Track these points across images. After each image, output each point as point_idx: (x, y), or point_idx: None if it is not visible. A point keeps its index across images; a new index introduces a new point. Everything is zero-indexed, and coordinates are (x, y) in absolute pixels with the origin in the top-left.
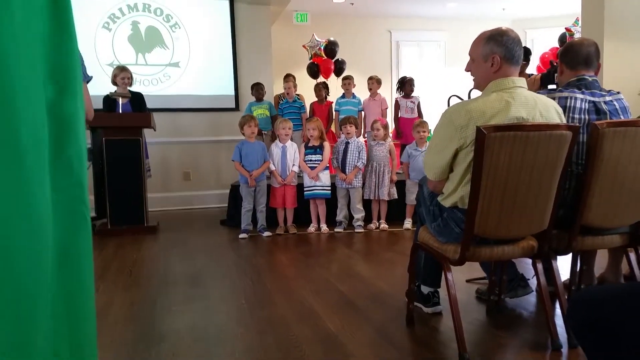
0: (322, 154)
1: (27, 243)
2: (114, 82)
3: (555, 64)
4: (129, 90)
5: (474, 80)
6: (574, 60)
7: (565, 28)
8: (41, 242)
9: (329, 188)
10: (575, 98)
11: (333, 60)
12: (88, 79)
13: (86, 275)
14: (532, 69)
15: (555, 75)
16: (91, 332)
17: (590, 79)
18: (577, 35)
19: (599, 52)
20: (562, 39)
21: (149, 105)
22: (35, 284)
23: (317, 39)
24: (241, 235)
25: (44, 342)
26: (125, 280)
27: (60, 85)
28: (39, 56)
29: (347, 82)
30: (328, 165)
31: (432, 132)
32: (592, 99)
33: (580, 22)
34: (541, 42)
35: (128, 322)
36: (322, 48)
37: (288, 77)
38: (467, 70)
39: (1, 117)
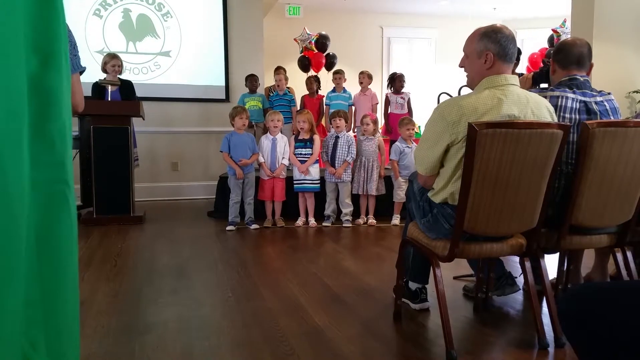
0: (312, 148)
1: None
2: (104, 70)
3: (547, 63)
4: (119, 78)
5: (467, 76)
6: (566, 59)
7: (552, 29)
8: (14, 222)
9: (319, 182)
10: (567, 97)
11: (324, 54)
12: (82, 69)
13: (67, 259)
14: (521, 68)
15: (548, 73)
16: (72, 320)
17: (581, 79)
18: (563, 37)
19: (591, 52)
20: (551, 39)
21: (138, 94)
22: (6, 266)
23: (308, 32)
24: (228, 227)
25: (15, 331)
26: (110, 270)
27: (44, 57)
28: (22, 25)
29: (338, 76)
30: (318, 159)
31: (421, 128)
32: (583, 98)
33: (567, 24)
34: (531, 43)
35: (112, 313)
36: (312, 42)
37: (279, 70)
38: (460, 66)
39: None
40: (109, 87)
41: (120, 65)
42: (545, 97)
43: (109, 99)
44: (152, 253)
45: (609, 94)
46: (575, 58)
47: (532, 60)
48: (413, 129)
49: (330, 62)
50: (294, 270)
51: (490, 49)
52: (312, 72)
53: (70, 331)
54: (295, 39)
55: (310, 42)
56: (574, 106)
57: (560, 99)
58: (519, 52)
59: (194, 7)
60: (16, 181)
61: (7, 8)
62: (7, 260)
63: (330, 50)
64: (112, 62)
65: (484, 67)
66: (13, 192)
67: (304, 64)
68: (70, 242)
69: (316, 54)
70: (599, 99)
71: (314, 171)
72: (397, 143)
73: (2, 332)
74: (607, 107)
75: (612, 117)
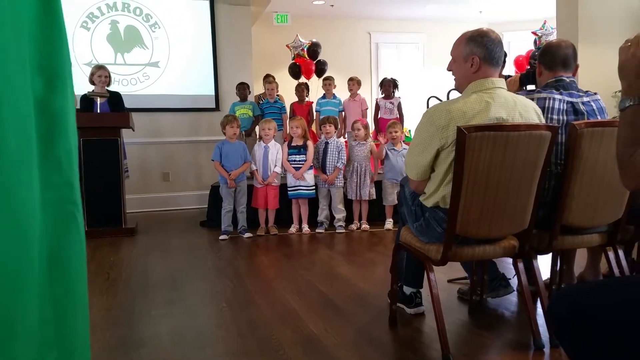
0: (306, 154)
1: (10, 243)
2: (92, 81)
3: (534, 64)
4: (107, 90)
5: (454, 80)
6: (552, 61)
7: (532, 32)
8: (26, 243)
9: (313, 188)
10: (554, 99)
11: (314, 62)
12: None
13: (77, 278)
14: (507, 71)
15: (534, 75)
16: (83, 338)
17: (568, 80)
18: (544, 38)
19: (576, 53)
20: (536, 42)
21: (128, 105)
22: (19, 286)
23: (301, 39)
24: (221, 237)
25: (29, 349)
26: (103, 284)
27: (49, 79)
28: (27, 47)
29: (328, 82)
30: (312, 165)
31: (411, 132)
32: (570, 99)
33: (546, 25)
34: (517, 45)
35: (106, 327)
36: (305, 49)
37: (269, 78)
38: (448, 69)
39: None
40: (98, 99)
41: (108, 76)
42: (533, 99)
43: (98, 111)
44: (145, 265)
45: (595, 94)
46: (560, 59)
47: (517, 62)
48: (397, 132)
49: (320, 69)
50: (288, 278)
51: (476, 52)
52: (303, 79)
53: (82, 349)
54: (287, 46)
55: (302, 50)
56: (561, 107)
57: (547, 101)
58: (505, 54)
59: (182, 18)
60: (28, 203)
61: (14, 32)
62: (21, 282)
63: (319, 57)
64: (98, 72)
65: (470, 70)
66: (25, 214)
67: (295, 71)
68: (80, 261)
69: (307, 61)
70: (585, 99)
71: (309, 177)
72: (386, 145)
73: (16, 353)
74: (594, 107)
75: (599, 117)
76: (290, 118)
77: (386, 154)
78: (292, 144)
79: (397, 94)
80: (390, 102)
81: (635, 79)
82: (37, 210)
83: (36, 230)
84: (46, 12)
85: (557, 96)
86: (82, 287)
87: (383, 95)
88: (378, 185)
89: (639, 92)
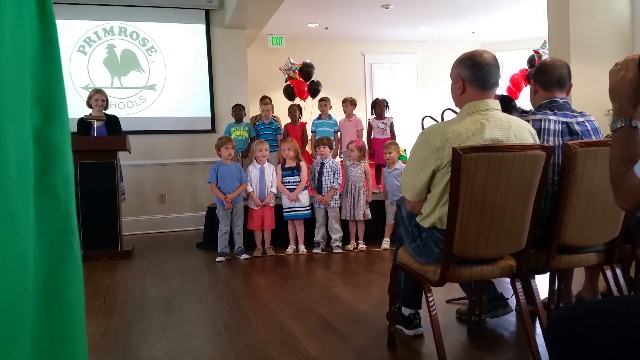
0: (299, 175)
1: (8, 271)
2: (89, 105)
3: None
4: (104, 113)
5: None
6: (548, 81)
7: (534, 50)
8: (25, 270)
9: (309, 208)
10: (549, 120)
11: (307, 83)
12: None
13: (74, 306)
14: (501, 90)
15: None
16: None
17: (561, 100)
18: (544, 57)
19: (570, 72)
20: (531, 60)
21: (124, 127)
22: (16, 313)
23: (292, 61)
24: (218, 258)
25: None
26: (99, 307)
27: (46, 111)
28: (29, 82)
29: (324, 103)
30: (306, 185)
31: (406, 152)
32: (565, 120)
33: (547, 45)
34: (511, 64)
35: (101, 351)
36: (296, 71)
37: (265, 99)
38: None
39: None
40: (95, 123)
41: (105, 100)
42: (528, 120)
43: (95, 134)
44: (141, 288)
45: (589, 115)
46: (556, 79)
47: (513, 80)
48: (391, 153)
49: (314, 90)
50: (285, 300)
51: (462, 75)
52: (297, 100)
53: None
54: (280, 68)
55: (294, 71)
56: (557, 128)
57: (543, 122)
58: None
59: (178, 41)
60: (25, 230)
61: (18, 71)
62: (18, 308)
63: (314, 78)
64: (95, 96)
65: (457, 92)
66: (23, 241)
67: (289, 93)
68: (77, 289)
69: (299, 82)
70: (580, 119)
71: (304, 198)
72: (383, 169)
73: None
74: (589, 128)
75: (593, 137)
76: (282, 140)
77: (384, 175)
78: (286, 166)
79: (389, 114)
80: (383, 122)
81: (625, 101)
82: (32, 239)
83: (31, 259)
84: (45, 48)
85: (552, 117)
86: (80, 314)
87: (375, 115)
88: (374, 205)
89: (629, 114)
